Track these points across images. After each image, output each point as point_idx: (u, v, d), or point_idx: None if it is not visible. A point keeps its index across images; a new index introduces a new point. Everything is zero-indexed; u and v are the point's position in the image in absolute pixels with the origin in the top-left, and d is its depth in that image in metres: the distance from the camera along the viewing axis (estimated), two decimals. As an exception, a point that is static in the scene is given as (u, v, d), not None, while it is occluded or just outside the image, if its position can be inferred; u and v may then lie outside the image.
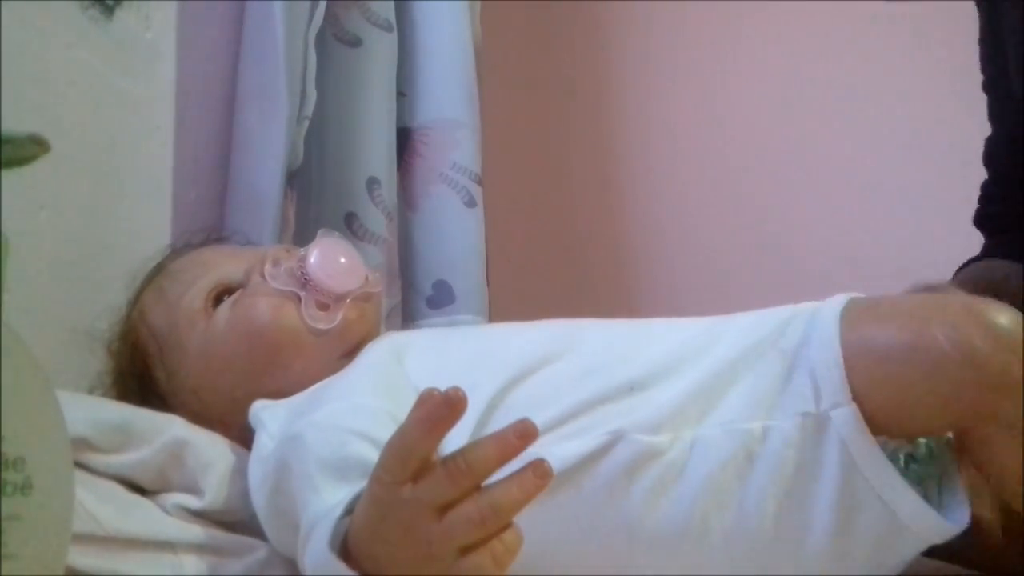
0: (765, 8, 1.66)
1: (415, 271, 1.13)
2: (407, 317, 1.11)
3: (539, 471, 0.46)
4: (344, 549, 0.48)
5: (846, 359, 0.58)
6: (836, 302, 0.61)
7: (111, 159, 0.88)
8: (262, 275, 0.71)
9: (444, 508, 0.46)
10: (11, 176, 0.42)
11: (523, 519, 0.48)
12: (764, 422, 0.58)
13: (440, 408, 0.45)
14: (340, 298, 0.70)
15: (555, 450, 0.57)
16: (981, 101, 1.01)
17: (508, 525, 0.47)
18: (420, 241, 1.13)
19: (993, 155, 0.99)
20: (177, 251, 0.80)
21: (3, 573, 0.40)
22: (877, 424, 0.57)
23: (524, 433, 0.46)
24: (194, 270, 0.74)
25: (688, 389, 0.60)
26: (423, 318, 1.11)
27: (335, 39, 1.10)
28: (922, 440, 0.61)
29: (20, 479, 0.41)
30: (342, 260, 0.72)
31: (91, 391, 0.76)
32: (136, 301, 0.76)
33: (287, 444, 0.59)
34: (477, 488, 0.46)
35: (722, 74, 1.71)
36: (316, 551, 0.49)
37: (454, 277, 1.11)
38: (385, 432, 0.55)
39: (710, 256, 1.67)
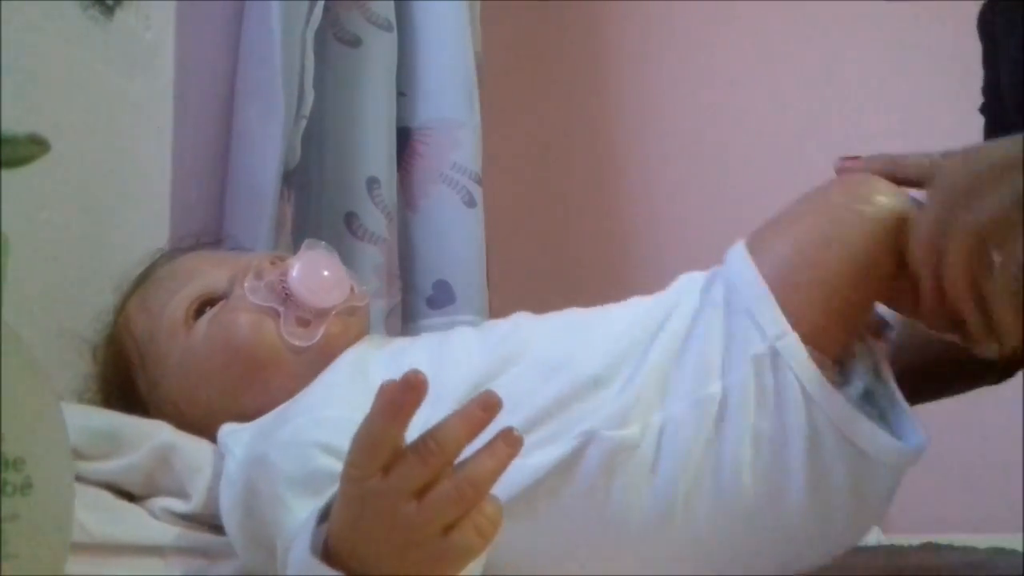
0: (765, 8, 1.66)
1: (415, 271, 1.12)
2: (407, 317, 1.11)
3: (509, 439, 0.46)
4: (326, 556, 0.48)
5: (771, 286, 0.60)
6: (736, 245, 0.65)
7: (111, 159, 0.88)
8: (244, 287, 0.69)
9: (420, 492, 0.46)
10: (11, 176, 0.42)
11: (507, 533, 0.49)
12: (722, 381, 0.58)
13: (402, 393, 0.45)
14: (321, 313, 0.68)
15: (528, 460, 0.56)
16: (977, 100, 1.01)
17: (486, 499, 0.47)
18: (420, 241, 1.13)
19: None
20: (165, 255, 0.79)
21: (3, 573, 0.40)
22: (819, 342, 0.58)
23: (488, 405, 0.46)
24: (178, 278, 0.73)
25: (647, 372, 0.60)
26: (423, 318, 1.11)
27: (335, 39, 1.10)
28: (863, 371, 0.62)
29: (20, 479, 0.41)
30: (325, 273, 0.70)
31: (81, 393, 0.76)
32: (121, 308, 0.76)
33: (253, 467, 0.58)
34: (449, 467, 0.46)
35: (721, 74, 1.71)
36: (299, 561, 0.48)
37: (454, 277, 1.11)
38: (347, 442, 0.55)
39: (709, 255, 1.67)
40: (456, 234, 1.13)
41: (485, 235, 1.15)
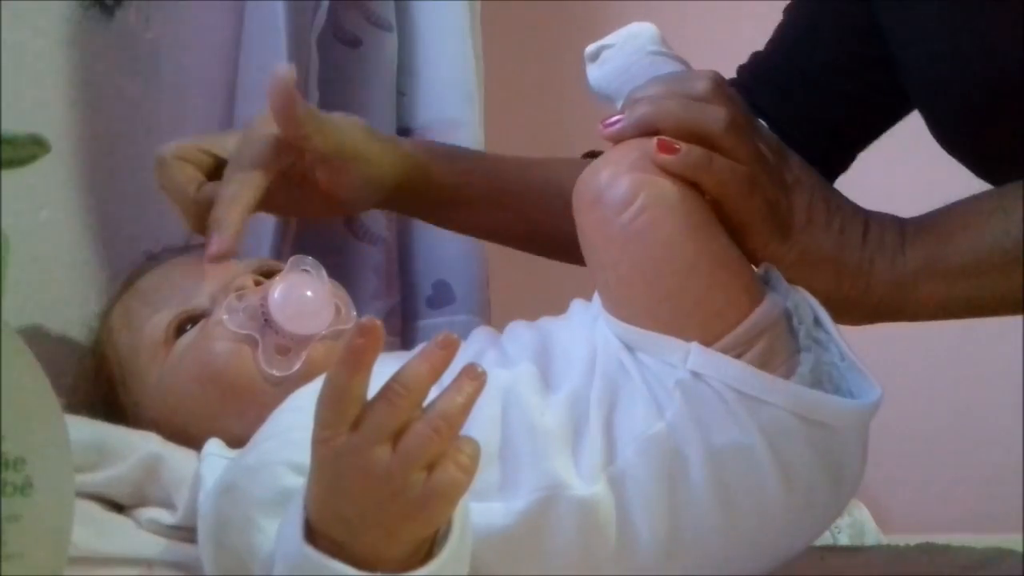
0: (766, 8, 1.66)
1: (415, 271, 1.12)
2: (407, 317, 1.11)
3: (472, 374, 0.46)
4: (310, 536, 0.46)
5: (642, 323, 0.58)
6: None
7: (111, 159, 0.88)
8: (223, 310, 0.67)
9: (393, 440, 0.45)
10: (11, 176, 0.42)
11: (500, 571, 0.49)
12: (662, 418, 0.56)
13: (359, 338, 0.44)
14: (303, 340, 0.66)
15: (493, 505, 0.55)
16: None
17: (462, 437, 0.46)
18: (420, 241, 1.13)
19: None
20: (152, 257, 0.78)
21: (3, 573, 0.40)
22: (717, 332, 0.57)
23: (447, 343, 0.46)
24: (161, 291, 0.72)
25: (596, 426, 0.57)
26: (423, 318, 1.11)
27: (336, 39, 1.10)
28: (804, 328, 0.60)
29: (20, 479, 0.41)
30: (308, 295, 0.67)
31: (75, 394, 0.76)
32: (105, 317, 0.75)
33: (222, 497, 0.56)
34: (418, 410, 0.45)
35: (724, 72, 1.71)
36: (292, 556, 0.47)
37: (454, 277, 1.11)
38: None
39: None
40: (456, 234, 1.13)
41: (485, 235, 1.15)
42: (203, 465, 0.62)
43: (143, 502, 0.65)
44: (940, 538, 0.85)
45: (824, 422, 0.56)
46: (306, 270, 0.69)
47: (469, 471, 0.46)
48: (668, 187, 0.59)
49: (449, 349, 0.46)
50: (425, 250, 1.13)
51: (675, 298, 0.58)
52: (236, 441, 0.62)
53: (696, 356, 0.56)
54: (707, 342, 0.57)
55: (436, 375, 0.46)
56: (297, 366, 0.66)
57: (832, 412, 0.56)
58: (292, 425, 0.58)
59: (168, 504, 0.64)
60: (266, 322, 0.66)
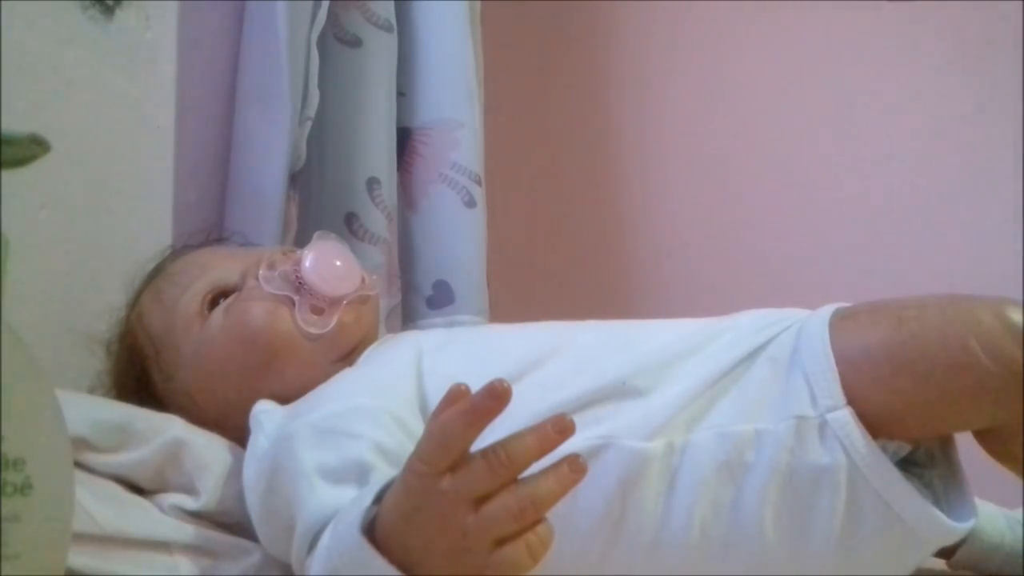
0: (765, 9, 1.66)
1: (415, 271, 1.12)
2: (407, 317, 1.11)
3: (574, 465, 0.47)
4: (371, 538, 0.48)
5: (844, 364, 0.58)
6: (825, 311, 0.63)
7: (111, 159, 0.88)
8: (257, 278, 0.70)
9: (480, 500, 0.46)
10: (11, 176, 0.42)
11: None
12: (756, 425, 0.58)
13: (485, 400, 0.45)
14: (335, 302, 0.69)
15: None
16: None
17: (541, 519, 0.47)
18: (420, 241, 1.13)
19: None
20: (176, 252, 0.80)
21: (3, 573, 0.40)
22: (876, 427, 0.57)
23: (563, 428, 0.46)
24: (191, 272, 0.74)
25: (678, 396, 0.60)
26: (423, 318, 1.11)
27: (335, 39, 1.10)
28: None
29: (20, 479, 0.41)
30: (337, 263, 0.71)
31: (91, 391, 0.76)
32: (134, 303, 0.76)
33: (282, 444, 0.59)
34: (514, 481, 0.46)
35: (722, 75, 1.71)
36: (343, 536, 0.49)
37: (454, 277, 1.11)
38: (383, 433, 0.55)
39: (709, 257, 1.67)
40: (456, 234, 1.13)
41: (485, 235, 1.15)
42: (260, 415, 0.64)
43: (164, 487, 0.66)
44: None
45: (912, 527, 0.57)
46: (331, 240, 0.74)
47: (537, 557, 0.47)
48: None
49: (563, 434, 0.46)
50: (425, 250, 1.13)
51: (923, 390, 0.58)
52: (277, 400, 0.66)
53: (843, 416, 0.57)
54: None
55: (543, 455, 0.46)
56: (332, 324, 0.69)
57: (927, 523, 0.57)
58: (361, 388, 0.62)
59: (189, 490, 0.65)
60: (299, 286, 0.69)
